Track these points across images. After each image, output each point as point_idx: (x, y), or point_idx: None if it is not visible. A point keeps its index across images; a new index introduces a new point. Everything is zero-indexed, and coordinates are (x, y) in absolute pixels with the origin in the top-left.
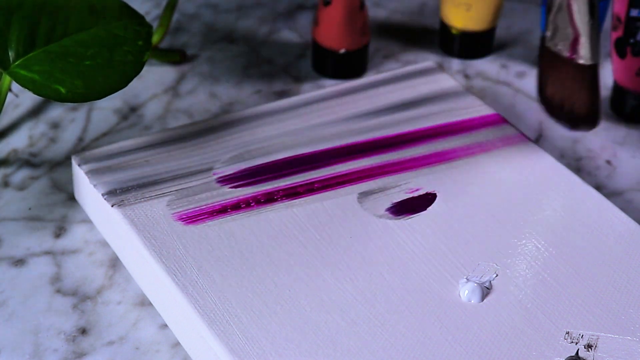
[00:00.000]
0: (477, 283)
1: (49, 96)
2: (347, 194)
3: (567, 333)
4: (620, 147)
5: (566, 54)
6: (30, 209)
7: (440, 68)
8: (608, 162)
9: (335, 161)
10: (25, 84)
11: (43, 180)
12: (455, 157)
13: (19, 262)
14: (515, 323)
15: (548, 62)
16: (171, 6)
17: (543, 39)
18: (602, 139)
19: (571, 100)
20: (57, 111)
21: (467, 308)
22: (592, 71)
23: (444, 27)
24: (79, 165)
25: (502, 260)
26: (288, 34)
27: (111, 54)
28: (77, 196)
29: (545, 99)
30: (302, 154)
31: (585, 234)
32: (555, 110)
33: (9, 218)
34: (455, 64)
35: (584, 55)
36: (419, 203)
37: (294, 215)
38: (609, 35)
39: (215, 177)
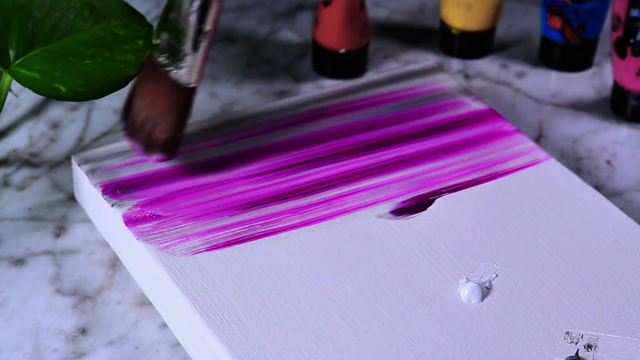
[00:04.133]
0: (477, 283)
1: (49, 95)
2: (348, 194)
3: (567, 333)
4: (620, 147)
5: (167, 68)
6: (30, 208)
7: (440, 68)
8: (608, 162)
9: (334, 161)
10: (26, 83)
11: (43, 180)
12: (454, 157)
13: (19, 262)
14: (515, 323)
15: (147, 73)
16: None
17: (152, 46)
18: (602, 139)
19: (156, 121)
20: (57, 111)
21: (467, 308)
22: (187, 94)
23: (444, 27)
24: (79, 165)
25: (502, 260)
26: (288, 34)
27: (111, 53)
28: (77, 196)
29: (129, 114)
30: (302, 154)
31: (585, 234)
32: (135, 130)
33: (9, 218)
34: (455, 64)
35: (182, 73)
36: (419, 203)
37: None
38: (609, 35)
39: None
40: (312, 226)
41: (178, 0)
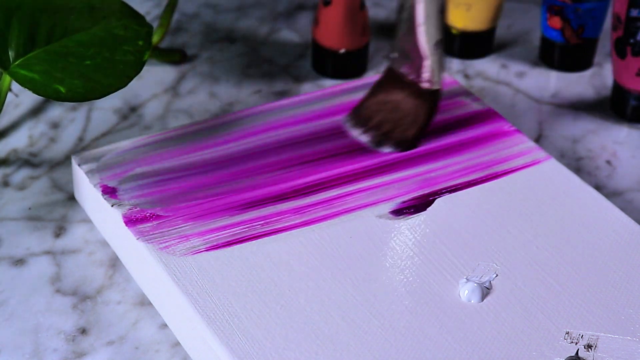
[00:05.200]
0: (477, 283)
1: (49, 96)
2: (348, 194)
3: (567, 333)
4: (620, 147)
5: (411, 77)
6: (30, 208)
7: None
8: (608, 162)
9: (335, 161)
10: (25, 83)
11: (43, 180)
12: (454, 157)
13: (19, 262)
14: (515, 323)
15: (387, 82)
16: (171, 6)
17: (390, 59)
18: (602, 139)
19: (398, 123)
20: (57, 111)
21: (467, 308)
22: (434, 96)
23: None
24: (79, 165)
25: (502, 260)
26: (288, 34)
27: (111, 53)
28: (77, 196)
29: (362, 116)
30: (302, 154)
31: (585, 234)
32: (368, 128)
33: (9, 218)
34: (455, 64)
35: (428, 80)
36: (419, 203)
37: None
38: (609, 35)
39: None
40: (312, 226)
41: (408, 14)
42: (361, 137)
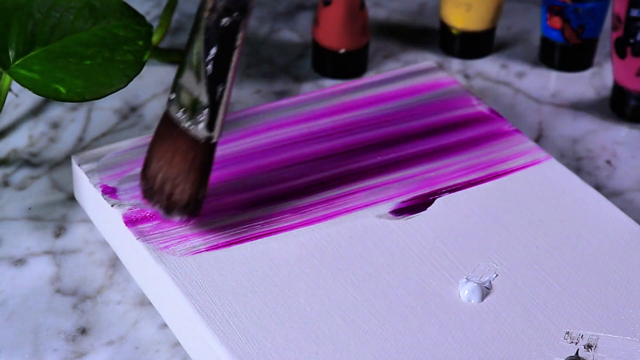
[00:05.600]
0: (477, 283)
1: (49, 96)
2: (348, 194)
3: (567, 333)
4: (620, 147)
5: (185, 123)
6: (30, 208)
7: (440, 68)
8: (608, 162)
9: (334, 161)
10: (25, 83)
11: (43, 180)
12: (454, 157)
13: (19, 262)
14: (515, 323)
15: (164, 130)
16: (171, 6)
17: (167, 101)
18: (602, 139)
19: (176, 180)
20: (57, 111)
21: (467, 308)
22: (206, 149)
23: (444, 27)
24: (79, 165)
25: (502, 260)
26: (288, 34)
27: (111, 53)
28: (77, 196)
29: (146, 176)
30: (302, 154)
31: (585, 234)
32: (153, 192)
33: (9, 218)
34: (455, 64)
35: (200, 128)
36: (419, 203)
37: None
38: (609, 35)
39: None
40: (312, 226)
41: (193, 50)
42: (154, 205)
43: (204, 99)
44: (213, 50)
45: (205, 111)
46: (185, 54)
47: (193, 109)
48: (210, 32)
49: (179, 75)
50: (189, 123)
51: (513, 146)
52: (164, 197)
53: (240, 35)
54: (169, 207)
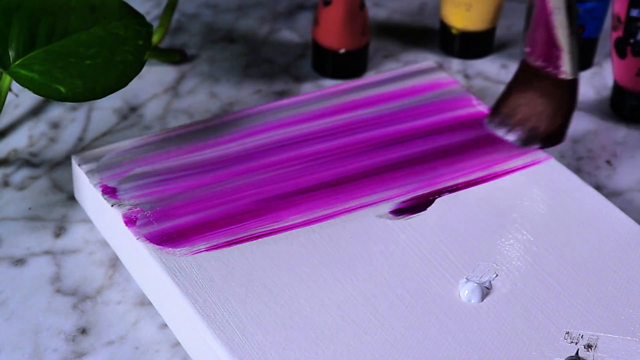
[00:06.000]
0: (477, 283)
1: (49, 96)
2: (348, 194)
3: (567, 333)
4: (620, 147)
5: (548, 69)
6: (30, 208)
7: (440, 68)
8: (608, 162)
9: (334, 161)
10: (25, 83)
11: (43, 180)
12: (454, 157)
13: (19, 262)
14: (515, 323)
15: (523, 77)
16: (171, 6)
17: (524, 53)
18: (602, 139)
19: (541, 116)
20: (57, 111)
21: (467, 308)
22: (573, 85)
23: (444, 27)
24: (79, 165)
25: (502, 261)
26: (288, 34)
27: (111, 53)
28: (77, 196)
29: (503, 114)
30: (302, 154)
31: (585, 234)
32: (512, 126)
33: (9, 218)
34: (455, 64)
35: (565, 70)
36: (419, 203)
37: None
38: (609, 35)
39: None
40: (312, 226)
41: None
42: (508, 135)
43: (563, 45)
44: (565, 3)
45: (565, 57)
46: (530, 9)
47: (551, 57)
48: None
49: (527, 28)
50: (550, 69)
51: (513, 146)
52: (525, 130)
53: None
54: (531, 138)
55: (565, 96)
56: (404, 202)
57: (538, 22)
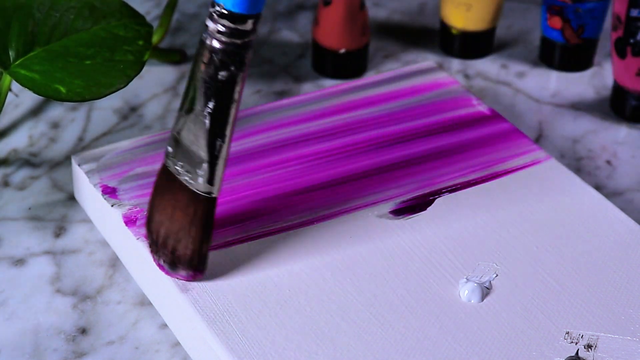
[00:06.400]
0: (477, 283)
1: (49, 96)
2: (348, 194)
3: (567, 333)
4: (620, 147)
5: (184, 177)
6: (30, 208)
7: (440, 68)
8: (608, 162)
9: (334, 161)
10: (26, 83)
11: (43, 180)
12: (454, 157)
13: (19, 262)
14: (515, 323)
15: (163, 183)
16: (171, 6)
17: (165, 154)
18: (602, 139)
19: (177, 236)
20: (57, 111)
21: (467, 308)
22: (206, 203)
23: (444, 27)
24: (79, 165)
25: (502, 260)
26: (288, 34)
27: (111, 53)
28: (77, 196)
29: (150, 230)
30: (302, 155)
31: (585, 234)
32: (158, 247)
33: (9, 218)
34: (455, 64)
35: (201, 182)
36: (419, 203)
37: None
38: (609, 35)
39: None
40: (312, 226)
41: (190, 101)
42: (160, 260)
43: (203, 153)
44: (211, 104)
45: (205, 166)
46: (182, 103)
47: (191, 163)
48: (207, 85)
49: (175, 128)
50: (187, 177)
51: (513, 146)
52: (168, 251)
53: (238, 89)
54: (174, 262)
55: (199, 216)
56: (404, 202)
57: (193, 117)
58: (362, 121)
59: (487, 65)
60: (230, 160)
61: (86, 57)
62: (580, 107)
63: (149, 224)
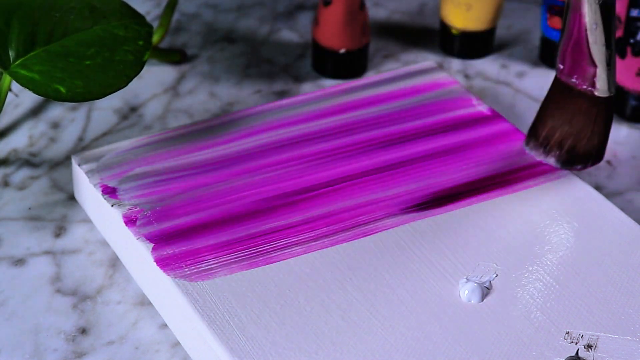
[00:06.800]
0: (477, 283)
1: (49, 96)
2: (348, 194)
3: (567, 333)
4: (620, 147)
5: (583, 86)
6: (30, 208)
7: (440, 68)
8: (608, 162)
9: (334, 162)
10: (26, 83)
11: (43, 180)
12: (454, 157)
13: (19, 262)
14: (515, 323)
15: (558, 96)
16: (171, 6)
17: (557, 70)
18: None
19: (579, 135)
20: (57, 111)
21: (467, 308)
22: (607, 103)
23: (444, 27)
24: (79, 165)
25: (502, 260)
26: (288, 34)
27: (111, 53)
28: (77, 196)
29: (540, 136)
30: (302, 155)
31: (586, 234)
32: (547, 149)
33: (9, 218)
34: (455, 64)
35: (600, 88)
36: (419, 203)
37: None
38: None
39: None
40: (312, 226)
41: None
42: (547, 158)
43: (599, 62)
44: (599, 22)
45: (601, 74)
46: (563, 25)
47: (586, 74)
48: (594, 7)
49: (563, 44)
50: (585, 85)
51: (513, 146)
52: (563, 151)
53: (614, 6)
54: (571, 159)
55: (601, 114)
56: (404, 202)
57: (572, 37)
58: (362, 121)
59: (487, 65)
60: (231, 161)
61: (86, 57)
62: None
63: (538, 130)
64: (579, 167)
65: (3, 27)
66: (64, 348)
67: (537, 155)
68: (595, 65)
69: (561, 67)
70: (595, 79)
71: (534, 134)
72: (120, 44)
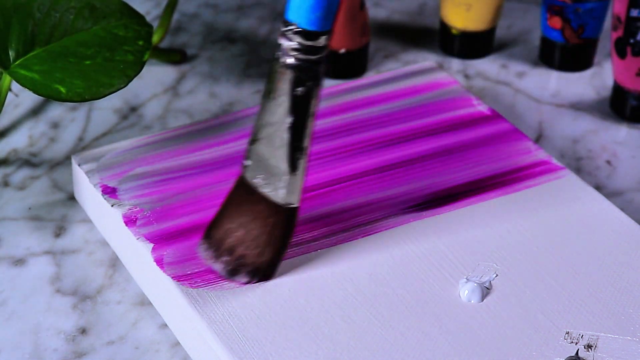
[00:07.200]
0: (477, 283)
1: (49, 96)
2: (348, 194)
3: (567, 333)
4: (620, 147)
5: (265, 189)
6: (30, 208)
7: (440, 68)
8: (608, 162)
9: (334, 162)
10: (26, 83)
11: (43, 180)
12: (454, 157)
13: (19, 262)
14: (515, 323)
15: (241, 194)
16: (171, 6)
17: (242, 167)
18: (602, 139)
19: (251, 245)
20: (57, 111)
21: (467, 308)
22: (290, 215)
23: (444, 27)
24: (79, 165)
25: (502, 260)
26: None
27: (111, 53)
28: (77, 196)
29: (213, 236)
30: None
31: (585, 234)
32: (218, 252)
33: (9, 218)
34: (455, 64)
35: (281, 195)
36: (419, 203)
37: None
38: (609, 35)
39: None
40: (311, 226)
41: (266, 118)
42: (215, 264)
43: (283, 166)
44: (289, 119)
45: (285, 178)
46: (257, 121)
47: (271, 176)
48: (286, 101)
49: (252, 142)
50: (268, 189)
51: (513, 146)
52: (232, 259)
53: (314, 103)
54: (236, 269)
55: (279, 226)
56: (404, 202)
57: (267, 135)
58: (362, 121)
59: (487, 65)
60: (231, 161)
61: (86, 57)
62: (580, 107)
63: (213, 230)
64: (243, 280)
65: (3, 27)
66: (63, 348)
67: (207, 259)
68: (283, 172)
69: (246, 162)
70: (279, 184)
71: (209, 234)
72: (120, 43)
